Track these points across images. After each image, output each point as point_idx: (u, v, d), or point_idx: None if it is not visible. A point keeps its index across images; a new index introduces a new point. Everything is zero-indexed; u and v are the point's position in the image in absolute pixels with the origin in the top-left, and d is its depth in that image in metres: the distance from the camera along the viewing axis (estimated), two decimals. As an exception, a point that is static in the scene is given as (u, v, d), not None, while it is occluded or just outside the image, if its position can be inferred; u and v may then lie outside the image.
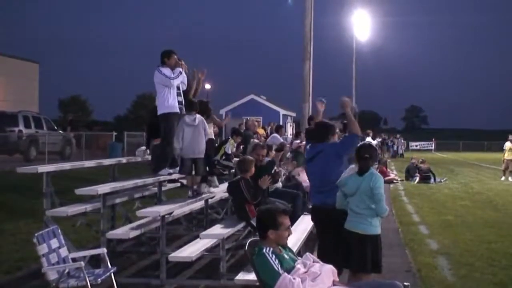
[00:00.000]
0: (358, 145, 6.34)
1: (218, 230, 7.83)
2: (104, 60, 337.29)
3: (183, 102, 9.73)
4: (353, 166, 6.22)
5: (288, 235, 4.82)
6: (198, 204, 9.79)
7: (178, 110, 9.54)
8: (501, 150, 26.84)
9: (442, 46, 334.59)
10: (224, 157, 11.83)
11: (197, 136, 8.83)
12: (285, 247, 4.87)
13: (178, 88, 9.67)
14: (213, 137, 10.54)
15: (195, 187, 9.06)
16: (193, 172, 9.01)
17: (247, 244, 4.87)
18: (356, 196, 5.94)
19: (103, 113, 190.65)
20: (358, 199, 5.92)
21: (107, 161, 10.75)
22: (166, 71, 9.37)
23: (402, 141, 57.02)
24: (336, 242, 6.16)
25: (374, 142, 28.53)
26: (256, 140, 13.01)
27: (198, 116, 8.93)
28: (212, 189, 9.60)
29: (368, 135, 29.05)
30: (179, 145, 8.76)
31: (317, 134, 6.86)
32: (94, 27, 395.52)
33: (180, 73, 9.55)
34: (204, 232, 7.90)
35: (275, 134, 16.65)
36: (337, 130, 8.14)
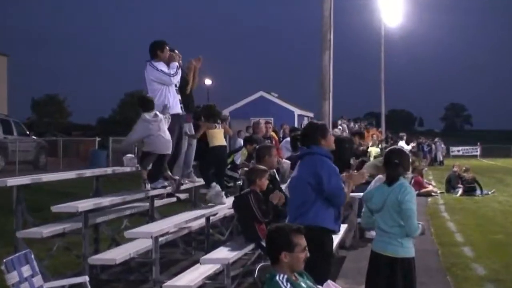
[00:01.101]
0: (388, 149, 6.35)
1: (222, 254, 7.81)
2: (85, 54, 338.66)
3: (181, 101, 9.81)
4: (381, 176, 6.21)
5: (305, 258, 4.80)
6: (197, 223, 9.80)
7: (180, 111, 9.61)
8: None
9: (490, 33, 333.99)
10: (229, 166, 11.88)
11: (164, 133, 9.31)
12: (302, 273, 4.86)
13: (175, 85, 9.74)
14: (223, 144, 10.66)
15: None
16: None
17: (256, 270, 4.86)
18: (383, 212, 5.93)
19: (84, 115, 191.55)
20: (386, 215, 5.92)
21: (89, 172, 10.75)
22: (162, 66, 9.43)
23: (442, 145, 56.84)
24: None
25: (407, 147, 28.55)
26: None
27: (159, 113, 9.29)
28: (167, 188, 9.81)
29: (401, 139, 29.03)
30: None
31: (304, 137, 6.84)
32: (73, 16, 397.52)
33: (178, 68, 9.64)
34: (205, 256, 7.89)
35: (289, 139, 16.60)
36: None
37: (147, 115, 9.24)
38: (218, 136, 10.76)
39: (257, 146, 9.85)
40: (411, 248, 6.02)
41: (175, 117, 9.56)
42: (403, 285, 5.94)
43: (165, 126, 9.37)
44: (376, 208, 5.97)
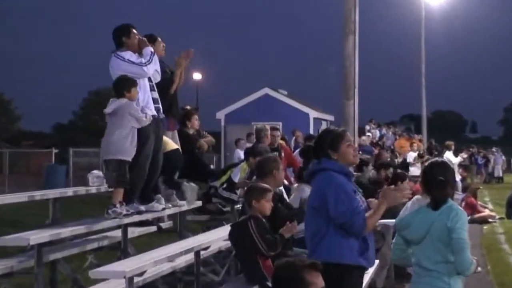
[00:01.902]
0: (427, 163, 6.38)
1: (216, 299, 7.84)
2: (37, 41, 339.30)
3: (159, 100, 9.84)
4: (419, 197, 6.20)
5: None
6: (184, 259, 9.81)
7: (154, 113, 9.62)
8: None
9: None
10: (225, 186, 11.93)
11: (110, 129, 9.30)
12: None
13: (149, 79, 9.77)
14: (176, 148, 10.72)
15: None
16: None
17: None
18: (425, 244, 5.92)
19: (36, 120, 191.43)
20: (429, 248, 5.91)
21: (43, 193, 10.79)
22: (130, 55, 9.47)
23: (502, 157, 56.77)
24: None
25: (456, 160, 28.59)
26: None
27: (117, 101, 9.25)
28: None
29: (447, 149, 29.06)
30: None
31: (314, 148, 6.96)
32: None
33: (153, 54, 9.66)
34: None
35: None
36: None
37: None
38: (169, 141, 10.78)
39: (258, 159, 9.87)
40: None
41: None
42: None
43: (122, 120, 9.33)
44: (415, 238, 5.96)
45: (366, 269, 6.68)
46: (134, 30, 9.76)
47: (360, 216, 6.27)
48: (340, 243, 6.26)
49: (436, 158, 7.09)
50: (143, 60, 9.47)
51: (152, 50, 9.75)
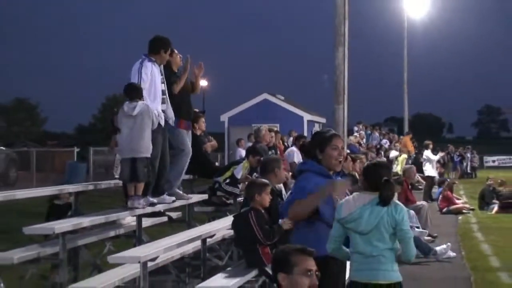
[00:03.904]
0: (370, 164, 6.41)
1: (220, 282, 7.85)
2: (59, 51, 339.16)
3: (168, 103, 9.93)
4: (360, 194, 6.15)
5: (313, 286, 4.77)
6: (192, 246, 9.82)
7: (161, 121, 9.67)
8: None
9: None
10: (228, 181, 11.95)
11: (138, 130, 9.12)
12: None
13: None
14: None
15: (130, 201, 9.29)
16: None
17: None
18: (373, 234, 5.90)
19: (60, 122, 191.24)
20: (377, 237, 5.89)
21: (66, 188, 10.80)
22: (150, 70, 9.51)
23: (474, 155, 56.77)
24: None
25: (435, 158, 28.61)
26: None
27: (140, 103, 9.15)
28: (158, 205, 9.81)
29: (426, 148, 29.06)
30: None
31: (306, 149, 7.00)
32: (44, 4, 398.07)
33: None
34: (201, 284, 7.91)
35: (293, 148, 16.73)
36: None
37: (126, 106, 9.22)
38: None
39: (263, 158, 9.88)
40: (399, 272, 6.04)
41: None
42: None
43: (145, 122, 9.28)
44: (365, 229, 5.88)
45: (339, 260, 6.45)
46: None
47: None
48: (308, 238, 6.15)
49: (378, 159, 7.16)
50: (148, 98, 9.50)
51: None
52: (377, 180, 5.94)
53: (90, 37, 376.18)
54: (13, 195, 9.41)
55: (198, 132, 12.41)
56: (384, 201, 5.89)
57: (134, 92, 9.26)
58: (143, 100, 9.27)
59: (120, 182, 10.35)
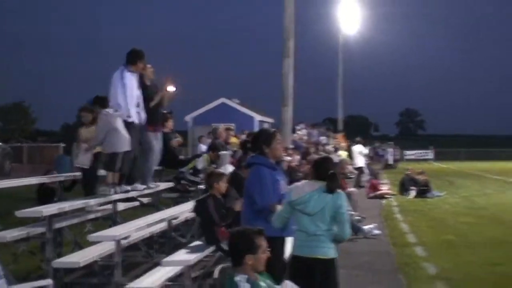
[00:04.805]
0: (319, 158, 6.46)
1: (183, 256, 7.82)
2: (49, 58, 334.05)
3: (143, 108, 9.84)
4: (308, 181, 6.18)
5: (266, 259, 4.81)
6: (159, 226, 9.77)
7: (135, 120, 9.56)
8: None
9: (442, 41, 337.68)
10: (191, 171, 11.92)
11: (113, 130, 9.15)
12: (262, 272, 4.87)
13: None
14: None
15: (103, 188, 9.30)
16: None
17: (217, 271, 4.87)
18: (318, 216, 5.92)
19: (50, 121, 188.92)
20: (321, 219, 5.91)
21: (53, 178, 10.67)
22: (129, 80, 9.44)
23: (393, 149, 57.36)
24: None
25: (364, 152, 28.91)
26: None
27: (109, 110, 9.22)
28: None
29: (357, 143, 29.30)
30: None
31: (252, 143, 7.06)
32: (38, 19, 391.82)
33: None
34: (166, 259, 7.87)
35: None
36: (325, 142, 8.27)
37: (108, 110, 9.17)
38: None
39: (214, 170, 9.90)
40: (335, 249, 6.08)
41: (130, 126, 9.50)
42: (334, 284, 6.01)
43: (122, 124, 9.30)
44: (312, 212, 5.91)
45: (283, 238, 6.57)
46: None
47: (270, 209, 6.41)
48: (256, 219, 6.30)
49: (325, 155, 7.30)
50: (129, 110, 9.44)
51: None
52: (325, 172, 6.00)
53: (74, 44, 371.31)
54: (8, 183, 9.29)
55: (167, 130, 12.33)
56: (331, 189, 5.94)
57: (104, 101, 9.37)
58: (111, 108, 9.24)
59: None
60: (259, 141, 6.77)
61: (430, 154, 78.75)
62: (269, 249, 4.81)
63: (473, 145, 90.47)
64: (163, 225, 9.83)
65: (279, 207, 6.29)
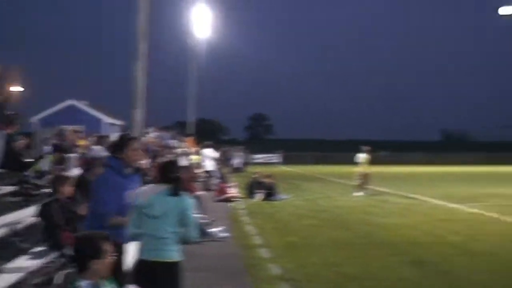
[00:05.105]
0: (164, 161, 6.56)
1: (24, 262, 7.56)
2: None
3: None
4: (153, 184, 6.25)
5: (112, 263, 4.75)
6: (1, 232, 9.36)
7: None
8: (352, 162, 28.68)
9: (292, 47, 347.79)
10: (35, 175, 11.54)
11: None
12: (107, 278, 4.80)
13: None
14: None
15: None
16: None
17: (58, 277, 4.76)
18: (163, 219, 5.97)
19: None
20: (166, 222, 5.96)
21: None
22: None
23: (245, 153, 58.34)
24: None
25: (214, 155, 29.17)
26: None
27: None
28: None
29: (207, 147, 29.53)
30: None
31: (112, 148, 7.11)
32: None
33: None
34: (6, 265, 7.58)
35: (95, 147, 16.61)
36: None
37: None
38: None
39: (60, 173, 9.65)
40: (180, 252, 6.15)
41: None
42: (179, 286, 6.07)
43: None
44: (156, 215, 5.96)
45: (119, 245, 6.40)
46: None
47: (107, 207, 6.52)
48: (100, 225, 6.23)
49: (170, 159, 7.48)
50: None
51: None
52: (170, 175, 6.06)
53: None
54: None
55: (11, 131, 11.84)
56: (175, 192, 5.99)
57: None
58: None
59: None
60: (117, 145, 6.88)
61: (277, 157, 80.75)
62: (114, 254, 4.76)
63: (320, 149, 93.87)
64: (5, 230, 9.43)
65: (123, 219, 6.28)
